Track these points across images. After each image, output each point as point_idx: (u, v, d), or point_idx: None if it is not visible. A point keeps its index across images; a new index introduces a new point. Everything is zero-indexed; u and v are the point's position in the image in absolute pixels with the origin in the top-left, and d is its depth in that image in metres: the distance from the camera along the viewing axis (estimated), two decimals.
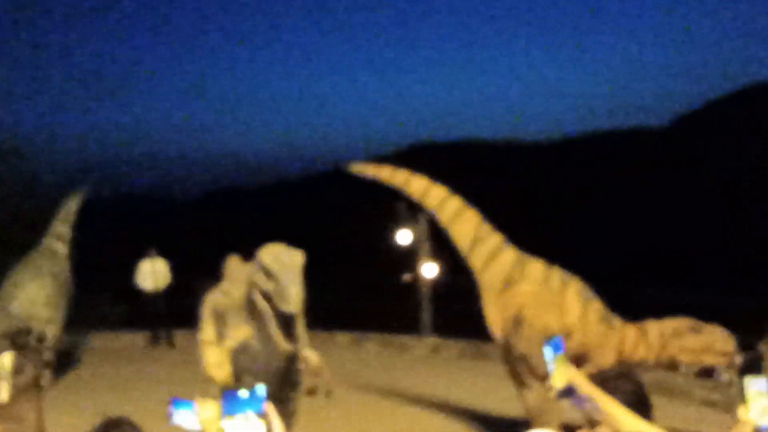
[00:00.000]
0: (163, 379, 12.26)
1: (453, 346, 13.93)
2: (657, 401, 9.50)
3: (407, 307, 15.00)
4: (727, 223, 42.47)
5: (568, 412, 2.30)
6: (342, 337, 15.08)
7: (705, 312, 7.46)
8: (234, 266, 7.31)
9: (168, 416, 2.35)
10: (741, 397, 2.53)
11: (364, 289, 15.62)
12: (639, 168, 63.47)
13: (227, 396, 1.64)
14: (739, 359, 6.98)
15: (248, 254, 6.89)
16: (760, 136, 45.37)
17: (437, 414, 9.90)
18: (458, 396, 10.81)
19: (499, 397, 10.30)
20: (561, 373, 2.23)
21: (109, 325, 18.45)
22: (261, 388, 1.61)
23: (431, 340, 14.28)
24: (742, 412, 2.54)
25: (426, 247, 14.52)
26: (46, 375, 12.07)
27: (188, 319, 15.42)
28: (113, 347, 15.56)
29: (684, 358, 7.26)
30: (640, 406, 2.61)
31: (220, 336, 6.62)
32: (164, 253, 15.91)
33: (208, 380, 6.56)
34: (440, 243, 15.04)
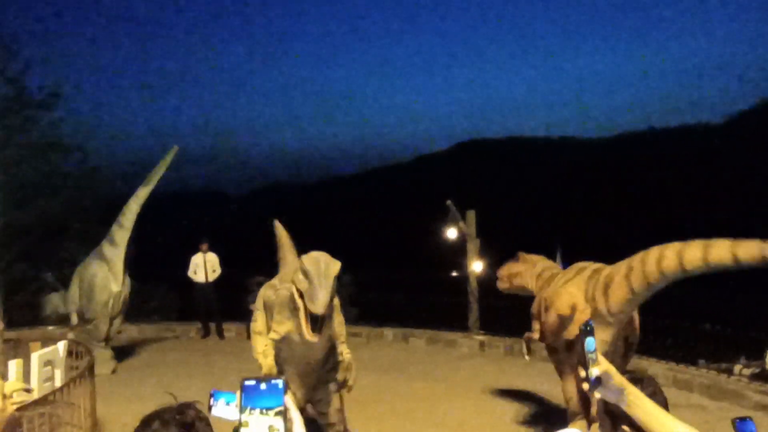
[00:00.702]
0: (212, 369, 12.52)
1: (500, 343, 13.86)
2: (710, 404, 9.36)
3: (455, 304, 14.97)
4: None
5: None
6: (390, 333, 15.14)
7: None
8: (286, 264, 8.09)
9: (208, 408, 2.41)
10: None
11: (412, 286, 15.62)
12: (692, 165, 62.07)
13: (246, 389, 1.64)
14: None
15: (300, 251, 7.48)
16: None
17: (482, 409, 9.89)
18: (504, 392, 10.77)
19: (545, 394, 10.24)
20: (597, 363, 2.23)
21: (164, 316, 18.91)
22: (280, 381, 1.61)
23: (478, 337, 14.24)
24: None
25: (474, 244, 14.48)
26: (110, 363, 12.53)
27: (238, 312, 15.80)
28: (166, 337, 15.91)
29: None
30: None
31: (268, 328, 7.34)
32: (216, 248, 16.20)
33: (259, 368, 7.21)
34: (487, 241, 15.02)
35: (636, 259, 6.95)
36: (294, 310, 6.65)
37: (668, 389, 6.13)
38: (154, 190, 12.80)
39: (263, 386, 1.63)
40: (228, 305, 15.98)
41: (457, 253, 15.15)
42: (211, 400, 2.50)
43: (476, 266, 14.46)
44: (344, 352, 7.29)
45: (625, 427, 2.50)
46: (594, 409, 7.36)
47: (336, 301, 6.97)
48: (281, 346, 7.00)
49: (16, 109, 21.20)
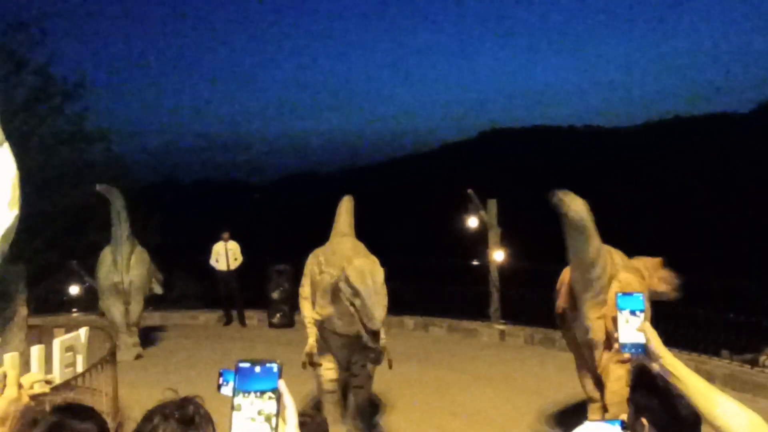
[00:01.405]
0: (233, 356, 12.56)
1: (520, 332, 13.82)
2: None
3: (476, 293, 14.92)
4: None
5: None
6: (411, 321, 15.14)
7: None
8: (336, 244, 8.16)
9: (217, 387, 2.42)
10: None
11: (433, 275, 15.57)
12: (719, 153, 61.31)
13: (241, 371, 1.63)
14: None
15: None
16: None
17: (501, 398, 9.87)
18: (523, 382, 10.75)
19: (565, 384, 10.20)
20: (633, 328, 2.19)
21: (186, 303, 19.08)
22: (275, 365, 1.59)
23: (498, 326, 14.20)
24: None
25: (495, 233, 14.42)
26: (132, 350, 12.73)
27: (259, 300, 15.89)
28: (189, 325, 16.06)
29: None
30: None
31: (313, 304, 7.85)
32: (238, 236, 16.30)
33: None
34: (509, 230, 14.94)
35: None
36: (335, 298, 7.12)
37: None
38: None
39: (257, 369, 1.62)
40: (249, 293, 16.08)
41: (478, 242, 15.09)
42: (220, 379, 2.53)
43: (497, 255, 14.39)
44: (382, 336, 7.49)
45: (643, 420, 2.48)
46: (607, 396, 7.38)
47: None
48: (324, 324, 7.58)
49: (42, 99, 21.46)
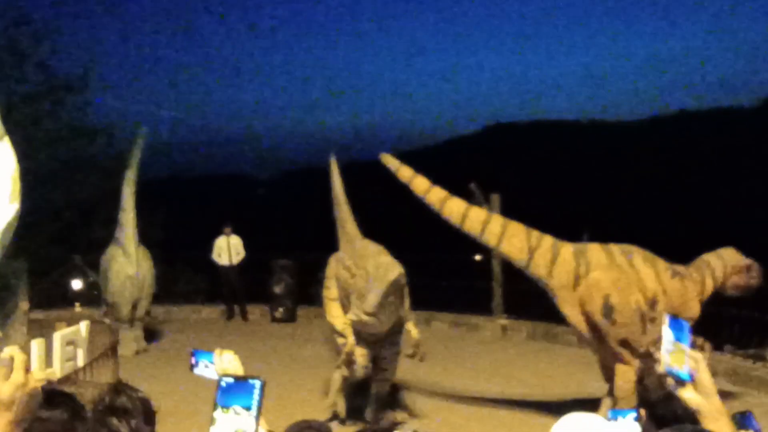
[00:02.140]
0: (236, 351, 12.57)
1: (522, 327, 13.79)
2: (735, 391, 9.24)
3: (478, 288, 14.89)
4: None
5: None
6: (413, 316, 15.10)
7: None
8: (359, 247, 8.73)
9: (190, 367, 2.40)
10: None
11: (435, 269, 15.54)
12: (725, 148, 61.15)
13: (221, 387, 1.59)
14: None
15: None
16: None
17: (503, 393, 9.85)
18: (526, 376, 10.73)
19: (567, 378, 10.19)
20: (680, 358, 2.15)
21: (189, 298, 19.08)
22: (257, 382, 1.56)
23: (501, 321, 14.17)
24: None
25: None
26: (133, 344, 12.75)
27: (262, 295, 15.89)
28: (191, 319, 16.07)
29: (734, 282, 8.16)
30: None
31: (343, 306, 8.37)
32: (241, 231, 16.30)
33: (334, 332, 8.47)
34: None
35: None
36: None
37: None
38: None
39: (238, 386, 1.58)
40: (252, 288, 16.09)
41: None
42: (192, 359, 2.50)
43: None
44: (412, 330, 8.31)
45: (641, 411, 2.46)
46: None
47: (404, 283, 7.74)
48: (356, 324, 7.99)
49: (44, 94, 21.43)
